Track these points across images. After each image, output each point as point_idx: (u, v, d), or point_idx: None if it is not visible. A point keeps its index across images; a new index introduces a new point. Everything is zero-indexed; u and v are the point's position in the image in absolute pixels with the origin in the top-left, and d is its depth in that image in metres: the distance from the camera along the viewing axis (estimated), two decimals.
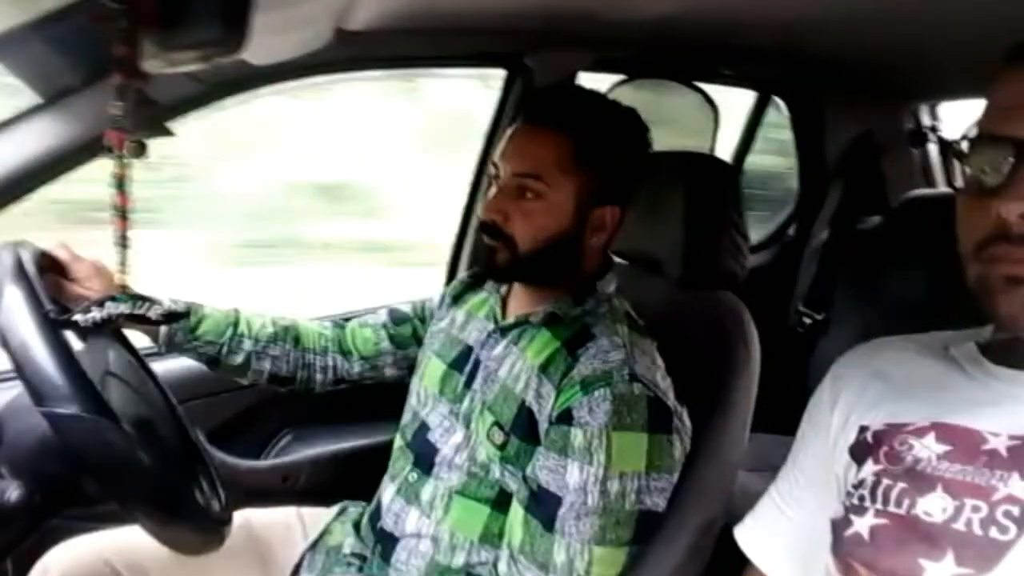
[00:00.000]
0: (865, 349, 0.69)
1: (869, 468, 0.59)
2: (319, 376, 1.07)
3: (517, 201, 0.85)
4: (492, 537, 0.84)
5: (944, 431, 0.56)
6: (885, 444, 0.59)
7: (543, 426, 0.81)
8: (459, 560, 0.86)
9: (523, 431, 0.83)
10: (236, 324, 1.02)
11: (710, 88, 1.70)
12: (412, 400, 1.00)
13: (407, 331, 1.10)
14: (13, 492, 0.67)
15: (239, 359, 1.02)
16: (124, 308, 0.84)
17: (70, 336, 0.75)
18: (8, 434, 0.72)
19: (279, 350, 1.05)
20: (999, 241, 0.52)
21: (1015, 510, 0.50)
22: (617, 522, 0.77)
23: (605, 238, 0.90)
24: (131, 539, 0.95)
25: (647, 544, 0.80)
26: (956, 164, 0.56)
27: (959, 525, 0.52)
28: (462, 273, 1.28)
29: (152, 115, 0.72)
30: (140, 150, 0.72)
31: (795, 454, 0.71)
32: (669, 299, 1.03)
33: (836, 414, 0.66)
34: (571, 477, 0.77)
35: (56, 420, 0.64)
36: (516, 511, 0.81)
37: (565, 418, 0.79)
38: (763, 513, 0.71)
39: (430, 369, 0.99)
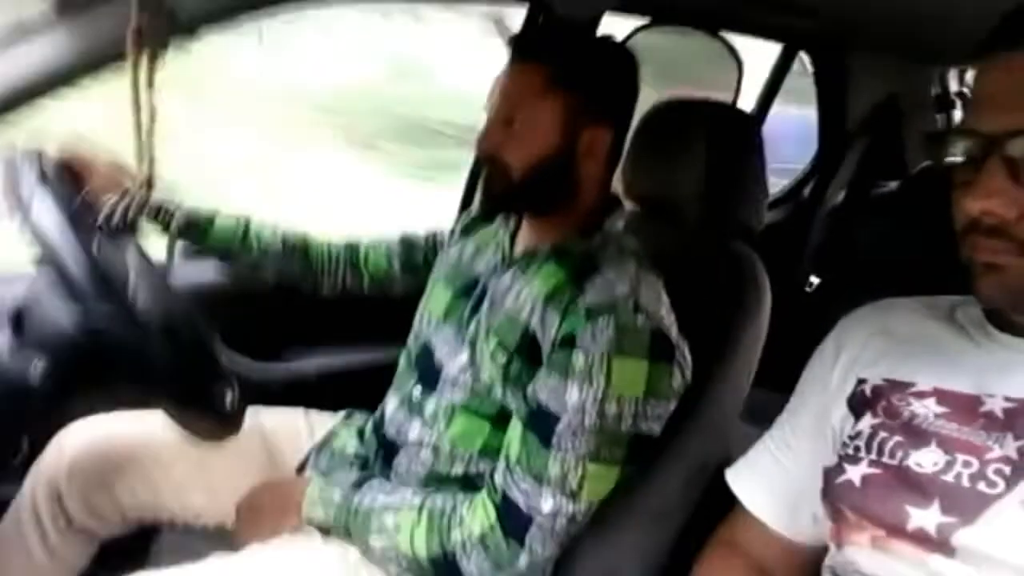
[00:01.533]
0: (873, 307, 0.70)
1: (867, 421, 0.61)
2: (325, 287, 1.15)
3: (506, 130, 0.89)
4: (491, 451, 0.88)
5: (944, 394, 0.58)
6: (884, 399, 0.61)
7: (546, 350, 0.84)
8: (458, 470, 0.91)
9: (526, 354, 0.86)
10: (246, 234, 1.10)
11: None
12: (418, 323, 1.04)
13: (418, 257, 1.14)
14: (38, 365, 0.70)
15: (246, 262, 1.12)
16: (145, 213, 0.87)
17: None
18: (33, 317, 0.75)
19: (285, 262, 1.12)
20: (971, 232, 0.54)
21: (1006, 469, 0.52)
22: (612, 442, 0.80)
23: (600, 165, 0.92)
24: (147, 423, 0.99)
25: (641, 471, 0.84)
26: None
27: (948, 477, 0.54)
28: (475, 205, 1.30)
29: (171, 27, 0.72)
30: (159, 60, 0.72)
31: (794, 404, 0.73)
32: (684, 245, 1.04)
33: (837, 368, 0.67)
34: (570, 397, 0.80)
35: (83, 314, 0.69)
36: (515, 426, 0.85)
37: (568, 342, 0.82)
38: (756, 458, 0.74)
39: (437, 295, 1.02)
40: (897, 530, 0.54)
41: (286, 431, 1.09)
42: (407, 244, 1.15)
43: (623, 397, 0.80)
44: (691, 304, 0.88)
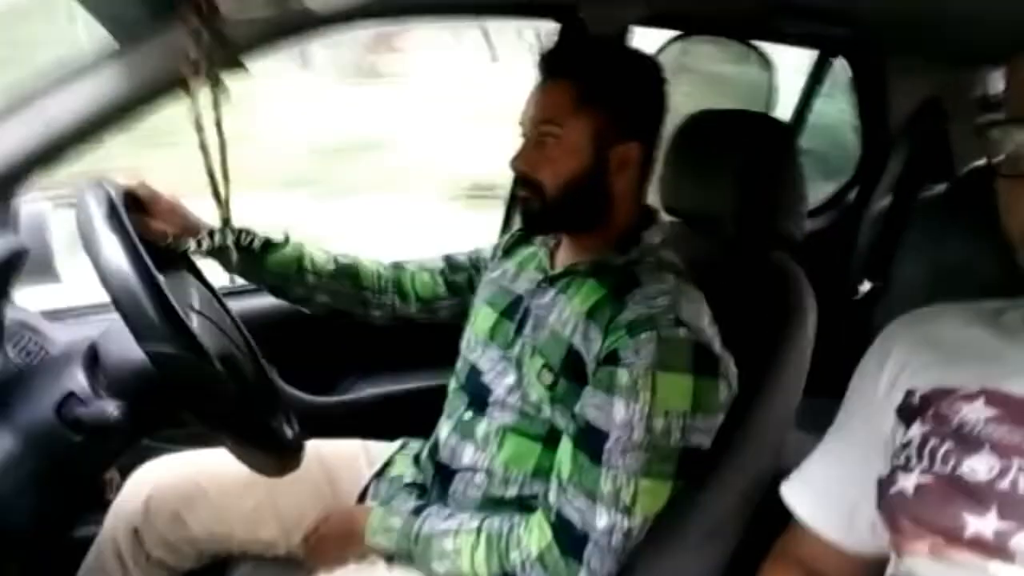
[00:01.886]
0: (918, 314, 0.70)
1: (916, 429, 0.60)
2: (376, 312, 1.15)
3: (540, 150, 0.91)
4: (544, 472, 0.89)
5: (993, 397, 0.57)
6: (933, 407, 0.60)
7: (590, 367, 0.85)
8: (512, 492, 0.92)
9: (571, 372, 0.87)
10: (301, 259, 1.09)
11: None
12: (464, 346, 1.06)
13: (462, 279, 1.16)
14: (114, 411, 0.73)
15: (300, 292, 1.10)
16: (231, 239, 0.91)
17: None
18: (108, 360, 0.78)
19: (338, 286, 1.12)
20: None
21: None
22: (662, 457, 0.81)
23: (632, 180, 0.93)
24: (216, 460, 1.03)
25: (695, 485, 0.84)
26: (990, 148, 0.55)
27: (1004, 483, 0.53)
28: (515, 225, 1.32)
29: (227, 55, 0.76)
30: (222, 88, 0.76)
31: (843, 414, 0.72)
32: (722, 259, 1.04)
33: (885, 376, 0.67)
34: (617, 414, 0.80)
35: (154, 356, 0.71)
36: (565, 445, 0.85)
37: (611, 359, 0.83)
38: (808, 471, 0.73)
39: (482, 317, 1.04)
40: (955, 538, 0.54)
41: (345, 462, 1.12)
42: (451, 266, 1.17)
43: (670, 411, 0.80)
44: (733, 316, 0.88)
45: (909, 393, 0.63)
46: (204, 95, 0.85)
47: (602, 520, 0.80)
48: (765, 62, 1.77)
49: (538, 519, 0.85)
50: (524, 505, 0.91)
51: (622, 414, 0.80)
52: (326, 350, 1.37)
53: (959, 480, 0.55)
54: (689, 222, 1.11)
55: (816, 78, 1.84)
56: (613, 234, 0.95)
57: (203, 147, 0.87)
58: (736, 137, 1.06)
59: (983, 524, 0.52)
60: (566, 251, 0.99)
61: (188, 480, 1.05)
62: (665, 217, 1.04)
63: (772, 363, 0.91)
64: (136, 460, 1.07)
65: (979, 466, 0.55)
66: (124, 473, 1.06)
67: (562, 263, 0.98)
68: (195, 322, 0.86)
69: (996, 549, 0.51)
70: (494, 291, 1.05)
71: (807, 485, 0.72)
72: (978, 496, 0.54)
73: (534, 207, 0.93)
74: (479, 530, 0.87)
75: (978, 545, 0.52)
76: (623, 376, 0.81)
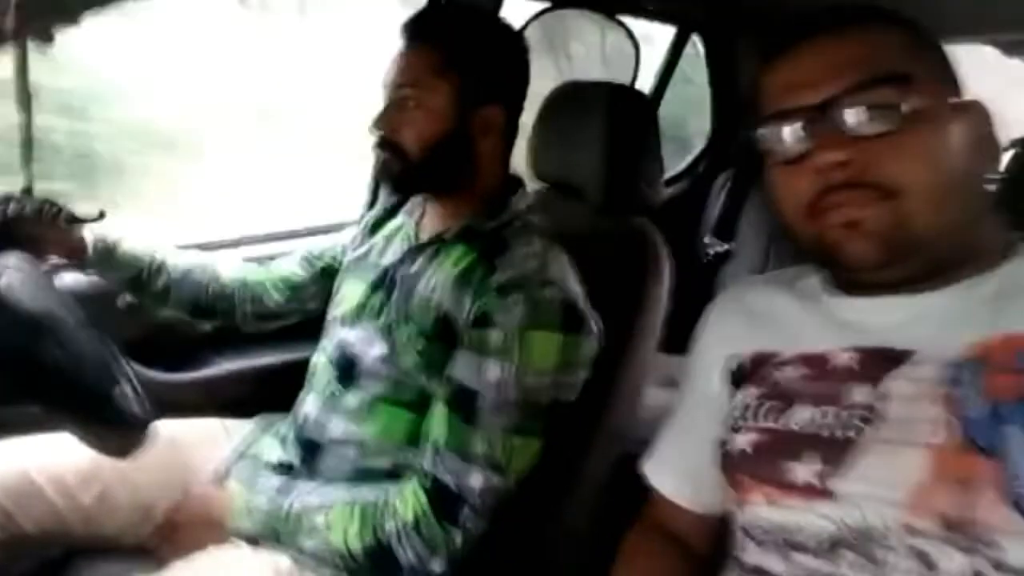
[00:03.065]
0: (734, 289, 0.76)
1: (746, 392, 0.67)
2: (240, 309, 1.11)
3: (400, 113, 0.91)
4: (416, 440, 0.89)
5: (804, 357, 0.64)
6: (757, 371, 0.67)
7: (462, 330, 0.86)
8: (385, 463, 0.91)
9: (443, 337, 0.87)
10: (156, 252, 1.06)
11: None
12: (331, 323, 1.02)
13: (325, 263, 1.12)
14: None
15: (160, 282, 1.06)
16: (28, 208, 0.81)
17: None
18: None
19: (200, 277, 1.09)
20: (826, 194, 0.58)
21: (858, 410, 0.58)
22: (533, 414, 0.83)
23: (495, 144, 0.95)
24: (49, 449, 0.94)
25: (559, 441, 0.87)
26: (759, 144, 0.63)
27: (820, 430, 0.59)
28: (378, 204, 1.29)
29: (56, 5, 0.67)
30: (47, 37, 0.67)
31: (683, 388, 0.78)
32: (588, 223, 1.08)
33: (713, 348, 0.73)
34: (490, 374, 0.82)
35: None
36: (438, 409, 0.86)
37: (482, 321, 0.84)
38: (662, 447, 0.78)
39: (349, 291, 1.01)
40: (785, 486, 0.60)
41: (201, 442, 1.05)
42: (313, 253, 1.14)
43: (541, 369, 0.82)
44: (597, 278, 0.92)
45: (732, 359, 0.69)
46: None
47: (477, 480, 0.81)
48: (630, 36, 1.82)
49: (412, 486, 0.84)
50: (396, 475, 0.90)
51: (495, 373, 0.82)
52: (177, 326, 1.27)
53: (785, 433, 0.62)
54: (556, 189, 1.14)
55: (675, 53, 1.93)
56: (480, 199, 0.95)
57: (24, 104, 0.75)
58: (601, 107, 1.09)
59: (806, 471, 0.58)
60: (433, 219, 0.99)
61: (17, 472, 0.94)
62: (533, 185, 1.05)
63: (632, 320, 0.97)
64: None
65: (798, 418, 0.61)
66: None
67: (429, 230, 0.98)
68: (11, 282, 0.76)
69: (820, 491, 0.57)
70: (362, 267, 1.02)
71: (662, 462, 0.78)
72: (801, 446, 0.60)
73: (394, 168, 0.93)
74: (352, 503, 0.85)
75: (806, 490, 0.58)
76: (495, 336, 0.82)
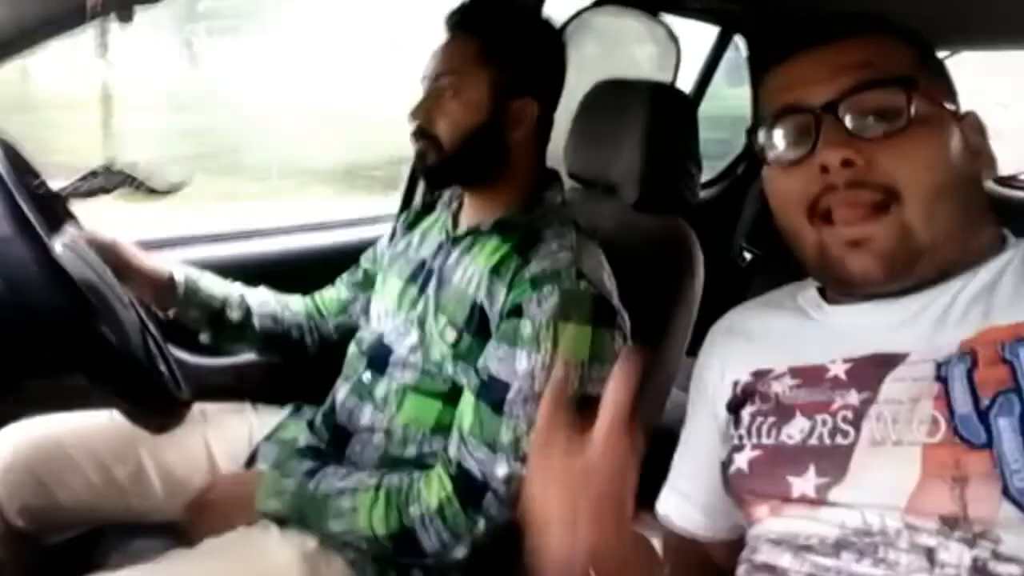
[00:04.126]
0: (732, 313, 0.76)
1: (745, 412, 0.66)
2: (308, 338, 1.14)
3: (438, 103, 0.92)
4: (442, 429, 0.89)
5: (795, 370, 0.64)
6: (754, 390, 0.66)
7: (494, 321, 0.86)
8: (411, 451, 0.92)
9: (475, 329, 0.88)
10: (230, 288, 1.09)
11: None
12: (373, 320, 1.04)
13: (365, 274, 1.14)
14: None
15: (238, 315, 1.08)
16: (109, 183, 0.84)
17: None
18: None
19: (274, 309, 1.12)
20: (828, 192, 0.58)
21: (850, 414, 0.58)
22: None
23: (529, 136, 0.95)
24: (84, 424, 0.97)
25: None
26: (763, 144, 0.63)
27: (814, 440, 0.59)
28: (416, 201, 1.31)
29: None
30: (127, 17, 0.69)
31: (690, 411, 0.77)
32: (622, 221, 1.07)
33: (715, 372, 0.72)
34: (520, 364, 0.82)
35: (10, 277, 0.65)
36: (467, 399, 0.86)
37: (515, 312, 0.84)
38: (675, 481, 0.77)
39: (388, 286, 1.03)
40: (786, 499, 0.60)
41: (233, 425, 1.07)
42: (353, 270, 1.16)
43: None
44: (629, 276, 0.91)
45: (734, 385, 0.69)
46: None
47: (502, 469, 0.82)
48: (671, 36, 1.81)
49: (438, 472, 0.85)
50: (422, 463, 0.90)
51: (524, 365, 0.82)
52: None
53: (781, 448, 0.61)
54: (592, 187, 1.13)
55: (717, 53, 1.91)
56: (515, 194, 0.95)
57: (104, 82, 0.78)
58: (639, 106, 1.08)
59: (804, 484, 0.58)
60: (468, 212, 0.99)
61: (54, 445, 0.97)
62: (569, 183, 1.05)
63: (661, 320, 0.96)
64: None
65: (793, 431, 0.61)
66: None
67: (466, 223, 0.98)
68: (68, 258, 0.79)
69: (819, 502, 0.57)
70: (400, 262, 1.04)
71: (676, 496, 0.77)
72: (797, 458, 0.60)
73: (431, 159, 0.93)
74: (377, 487, 0.86)
75: (805, 501, 0.58)
76: (526, 328, 0.82)
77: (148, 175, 0.98)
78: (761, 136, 0.63)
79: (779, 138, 0.62)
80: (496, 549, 0.85)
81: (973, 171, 0.60)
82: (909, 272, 0.58)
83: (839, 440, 0.58)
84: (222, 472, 1.01)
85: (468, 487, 0.83)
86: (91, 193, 0.92)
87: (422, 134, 0.93)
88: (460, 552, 0.84)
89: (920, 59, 0.61)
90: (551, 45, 0.97)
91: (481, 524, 0.83)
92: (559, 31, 0.98)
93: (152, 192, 1.00)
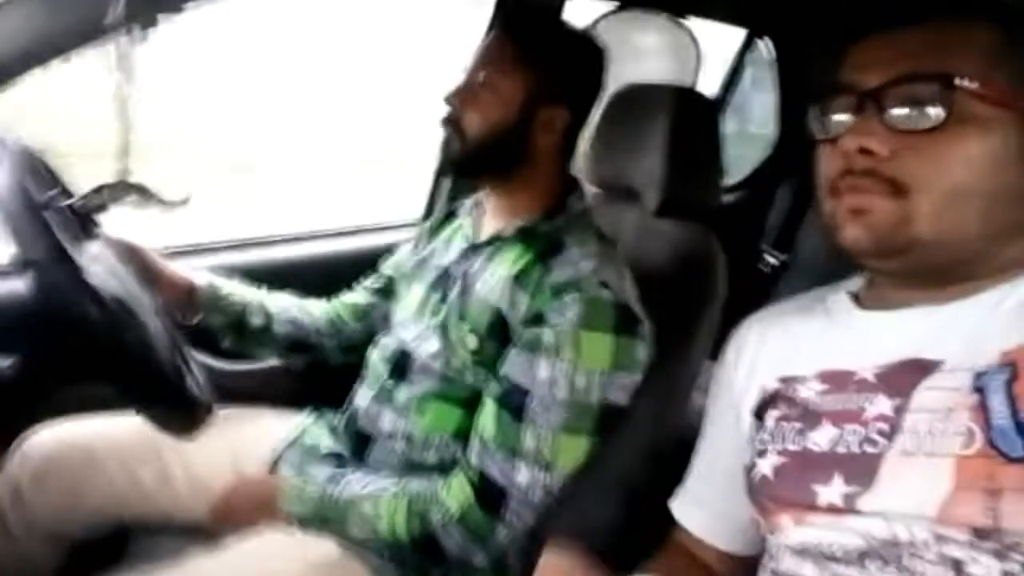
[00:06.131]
0: (758, 316, 0.75)
1: (770, 416, 0.65)
2: (329, 343, 1.14)
3: (471, 91, 0.93)
4: (463, 435, 0.89)
5: (824, 375, 0.63)
6: (780, 395, 0.65)
7: (516, 330, 0.86)
8: (432, 457, 0.92)
9: (497, 336, 0.88)
10: (252, 293, 1.11)
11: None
12: (395, 327, 1.04)
13: (387, 281, 1.14)
14: (3, 362, 0.68)
15: (260, 321, 1.09)
16: (120, 196, 0.86)
17: None
18: (2, 312, 0.73)
19: (295, 314, 1.12)
20: (845, 175, 0.59)
21: (883, 425, 0.56)
22: (582, 413, 0.83)
23: (555, 144, 0.95)
24: (110, 427, 0.99)
25: (608, 443, 0.86)
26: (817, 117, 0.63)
27: (841, 448, 0.58)
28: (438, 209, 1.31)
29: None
30: (151, 22, 0.70)
31: (711, 414, 0.76)
32: (644, 227, 1.06)
33: (739, 376, 0.71)
34: (540, 372, 0.82)
35: (40, 286, 0.67)
36: (488, 406, 0.86)
37: (537, 320, 0.84)
38: (694, 487, 0.77)
39: (411, 293, 1.03)
40: (810, 507, 0.58)
41: (256, 430, 1.08)
42: (377, 276, 1.16)
43: (591, 370, 0.82)
44: (650, 283, 0.90)
45: (762, 390, 0.68)
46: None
47: (523, 476, 0.82)
48: (692, 40, 1.79)
49: (459, 478, 0.85)
50: (443, 469, 0.90)
51: (546, 372, 0.82)
52: None
53: (807, 454, 0.60)
54: (613, 192, 1.12)
55: (742, 56, 1.89)
56: (538, 200, 0.95)
57: (122, 94, 0.79)
58: (662, 110, 1.07)
59: (831, 492, 0.57)
60: (491, 219, 0.99)
61: (81, 446, 0.99)
62: (590, 191, 1.05)
63: (683, 326, 0.95)
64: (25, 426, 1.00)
65: (820, 438, 0.60)
66: (11, 440, 0.99)
67: (487, 231, 0.98)
68: (92, 267, 0.80)
69: (846, 510, 0.56)
70: (423, 269, 1.04)
71: (694, 503, 0.76)
72: (823, 466, 0.58)
73: (454, 148, 0.94)
74: (399, 492, 0.86)
75: (832, 510, 0.57)
76: (548, 336, 0.83)
77: (158, 188, 1.00)
78: (811, 109, 0.64)
79: (824, 114, 0.62)
80: (517, 556, 0.85)
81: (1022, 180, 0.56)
82: (898, 256, 0.58)
83: (867, 448, 0.56)
84: (245, 475, 1.02)
85: (489, 493, 0.83)
86: (102, 206, 0.92)
87: (450, 122, 0.94)
88: (481, 559, 0.84)
89: (996, 55, 0.56)
90: (591, 59, 0.98)
91: (502, 531, 0.83)
92: (602, 49, 0.98)
93: (162, 204, 1.02)
